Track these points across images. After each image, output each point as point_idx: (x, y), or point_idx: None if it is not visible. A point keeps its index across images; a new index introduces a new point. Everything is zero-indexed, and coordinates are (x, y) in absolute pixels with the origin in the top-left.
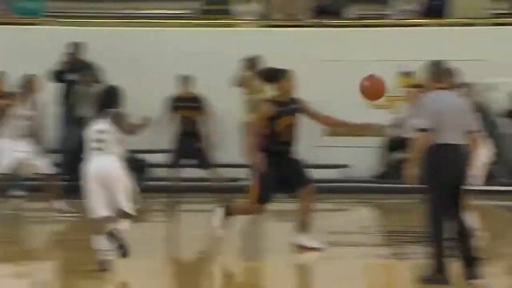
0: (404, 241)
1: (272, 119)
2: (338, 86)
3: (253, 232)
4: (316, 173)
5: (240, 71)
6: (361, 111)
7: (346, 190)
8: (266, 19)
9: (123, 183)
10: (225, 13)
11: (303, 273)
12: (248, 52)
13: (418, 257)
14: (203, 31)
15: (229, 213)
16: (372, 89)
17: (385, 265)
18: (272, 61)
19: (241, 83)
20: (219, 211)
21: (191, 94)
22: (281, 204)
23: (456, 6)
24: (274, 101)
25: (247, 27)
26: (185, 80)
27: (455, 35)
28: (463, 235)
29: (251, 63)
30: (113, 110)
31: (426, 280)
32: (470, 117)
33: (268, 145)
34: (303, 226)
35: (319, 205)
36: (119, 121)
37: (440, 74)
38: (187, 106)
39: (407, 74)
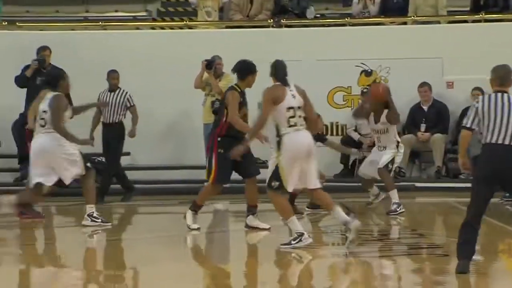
0: (366, 239)
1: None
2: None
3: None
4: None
5: (199, 72)
6: (325, 111)
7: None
8: (223, 20)
9: None
10: (183, 15)
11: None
12: (207, 53)
13: (380, 255)
14: (160, 33)
15: (196, 206)
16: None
17: (346, 264)
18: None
19: (200, 84)
20: (188, 211)
21: None
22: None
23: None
24: (238, 91)
25: (205, 28)
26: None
27: (414, 34)
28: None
29: (209, 64)
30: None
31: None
32: None
33: (228, 130)
34: (251, 210)
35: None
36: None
37: (505, 78)
38: None
39: (367, 73)
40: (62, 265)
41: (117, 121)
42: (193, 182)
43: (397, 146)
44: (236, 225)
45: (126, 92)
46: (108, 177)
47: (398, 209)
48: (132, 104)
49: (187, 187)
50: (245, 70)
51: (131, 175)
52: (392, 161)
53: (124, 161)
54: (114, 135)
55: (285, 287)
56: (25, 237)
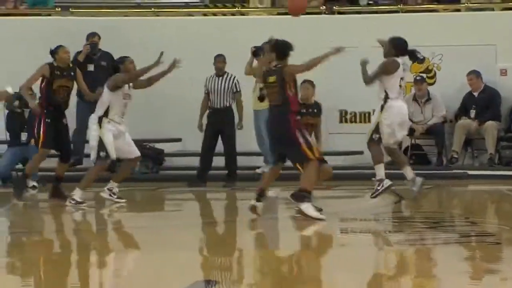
0: (418, 228)
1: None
2: (348, 73)
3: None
4: (330, 160)
5: (249, 59)
6: (373, 99)
7: (359, 177)
8: (275, 7)
9: None
10: (235, 1)
11: (314, 259)
12: (258, 40)
13: (432, 243)
14: (212, 19)
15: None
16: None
17: (397, 252)
18: None
19: (250, 71)
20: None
21: None
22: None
23: None
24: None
25: (256, 15)
26: None
27: (467, 21)
28: None
29: (257, 51)
30: None
31: None
32: None
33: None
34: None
35: (330, 192)
36: None
37: None
38: None
39: (420, 60)
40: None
41: (227, 105)
42: (243, 169)
43: (382, 108)
44: (286, 212)
45: (234, 77)
46: (235, 162)
47: (379, 188)
48: (238, 90)
49: (238, 173)
50: (287, 49)
51: (181, 161)
52: (376, 129)
53: (175, 147)
54: (225, 121)
55: (337, 275)
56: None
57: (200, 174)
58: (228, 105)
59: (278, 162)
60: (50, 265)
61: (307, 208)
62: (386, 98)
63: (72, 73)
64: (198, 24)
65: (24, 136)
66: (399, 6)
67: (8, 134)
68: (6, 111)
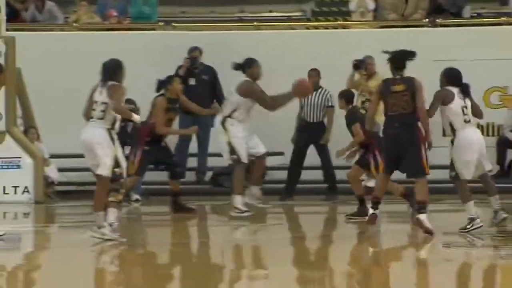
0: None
1: None
2: None
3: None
4: (434, 174)
5: (351, 73)
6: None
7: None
8: (378, 20)
9: None
10: (337, 15)
11: (420, 274)
12: (360, 53)
13: None
14: (314, 33)
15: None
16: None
17: (502, 267)
18: (384, 62)
19: (352, 84)
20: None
21: None
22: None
23: None
24: None
25: (359, 28)
26: None
27: None
28: None
29: (358, 64)
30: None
31: None
32: None
33: None
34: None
35: (435, 206)
36: None
37: None
38: None
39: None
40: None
41: (320, 119)
42: (345, 182)
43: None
44: (388, 226)
45: (328, 92)
46: (333, 175)
47: (469, 226)
48: (331, 104)
49: (340, 186)
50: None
51: (283, 175)
52: (451, 167)
53: (277, 160)
54: (317, 135)
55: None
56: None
57: (288, 188)
58: (321, 119)
59: (392, 169)
60: (153, 279)
61: (424, 219)
62: (453, 130)
63: (178, 104)
64: (300, 38)
65: (127, 150)
66: (502, 18)
67: None
68: None
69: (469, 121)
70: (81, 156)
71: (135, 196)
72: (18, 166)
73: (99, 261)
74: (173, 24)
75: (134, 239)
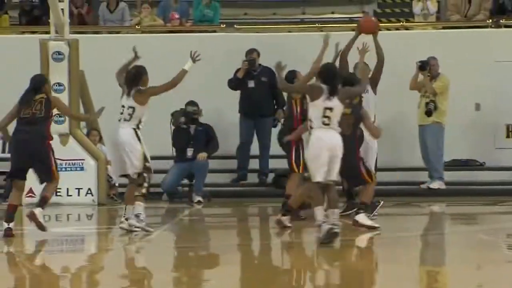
0: None
1: None
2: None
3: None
4: (496, 175)
5: (414, 74)
6: None
7: None
8: (440, 21)
9: None
10: (399, 16)
11: (481, 276)
12: (423, 54)
13: None
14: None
15: None
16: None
17: None
18: (447, 63)
19: (416, 85)
20: None
21: None
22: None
23: None
24: None
25: (421, 29)
26: None
27: None
28: None
29: (423, 65)
30: None
31: None
32: None
33: None
34: None
35: (500, 208)
36: None
37: None
38: None
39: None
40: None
41: None
42: (408, 184)
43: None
44: (452, 228)
45: None
46: None
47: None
48: None
49: (402, 189)
50: None
51: None
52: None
53: None
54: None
55: None
56: None
57: None
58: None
59: None
60: (214, 280)
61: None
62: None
63: None
64: (362, 39)
65: (190, 152)
66: None
67: (174, 150)
68: (173, 127)
69: (328, 123)
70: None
71: (198, 198)
72: (82, 168)
73: (159, 262)
74: (236, 26)
75: (197, 240)
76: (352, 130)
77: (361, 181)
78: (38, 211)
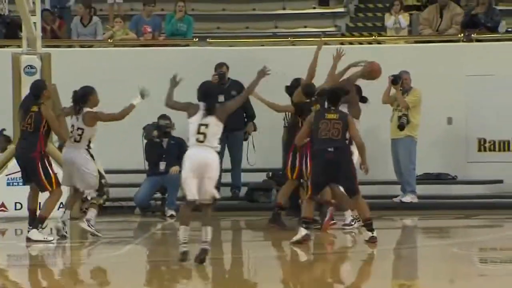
0: None
1: None
2: (484, 102)
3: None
4: (468, 189)
5: (387, 88)
6: None
7: (500, 206)
8: (413, 35)
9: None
10: (371, 30)
11: None
12: (395, 68)
13: None
14: (349, 48)
15: None
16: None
17: None
18: (419, 77)
19: (388, 99)
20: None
21: None
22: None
23: None
24: None
25: (393, 43)
26: None
27: None
28: None
29: (395, 79)
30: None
31: None
32: None
33: None
34: None
35: (472, 222)
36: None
37: None
38: None
39: None
40: None
41: None
42: (380, 198)
43: None
44: (424, 241)
45: None
46: None
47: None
48: None
49: (375, 202)
50: None
51: None
52: None
53: None
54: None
55: None
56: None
57: None
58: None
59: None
60: None
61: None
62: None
63: None
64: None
65: (162, 166)
66: None
67: (147, 163)
68: (145, 141)
69: (202, 140)
70: (115, 172)
71: (170, 212)
72: None
73: (132, 276)
74: (208, 40)
75: (170, 254)
76: (342, 134)
77: (354, 189)
78: (32, 233)
